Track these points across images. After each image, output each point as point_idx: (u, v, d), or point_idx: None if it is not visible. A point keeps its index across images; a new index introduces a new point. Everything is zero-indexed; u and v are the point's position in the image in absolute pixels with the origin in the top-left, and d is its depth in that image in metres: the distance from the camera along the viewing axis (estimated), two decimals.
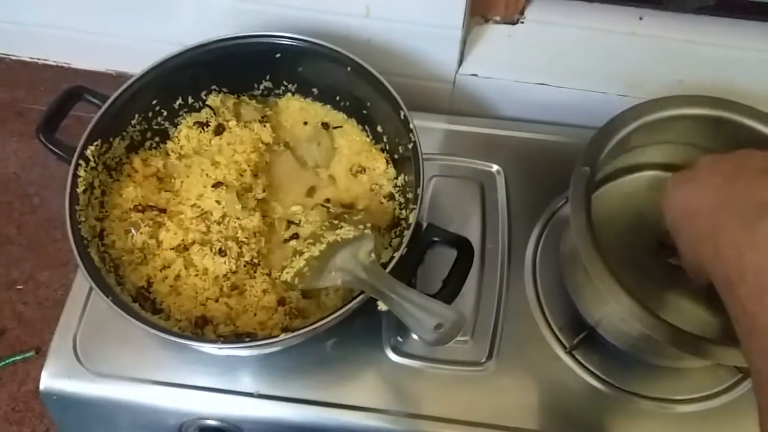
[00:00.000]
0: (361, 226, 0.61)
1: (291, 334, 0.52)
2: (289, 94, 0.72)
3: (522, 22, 0.78)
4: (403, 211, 0.65)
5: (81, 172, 0.59)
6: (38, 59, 0.88)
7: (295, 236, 0.64)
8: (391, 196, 0.67)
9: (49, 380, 0.63)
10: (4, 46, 0.88)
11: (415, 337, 0.65)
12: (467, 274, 0.57)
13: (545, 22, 0.77)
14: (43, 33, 0.83)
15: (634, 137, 0.60)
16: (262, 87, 0.71)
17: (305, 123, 0.71)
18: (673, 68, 0.75)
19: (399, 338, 0.65)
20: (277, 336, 0.53)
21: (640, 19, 0.77)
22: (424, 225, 0.60)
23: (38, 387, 0.63)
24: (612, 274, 0.53)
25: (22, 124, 0.95)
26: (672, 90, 0.64)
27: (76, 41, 0.83)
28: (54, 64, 0.88)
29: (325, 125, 0.70)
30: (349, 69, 0.65)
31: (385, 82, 0.63)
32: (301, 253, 0.62)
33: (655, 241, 0.60)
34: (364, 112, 0.69)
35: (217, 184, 0.64)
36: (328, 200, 0.67)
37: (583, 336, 0.64)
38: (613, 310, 0.57)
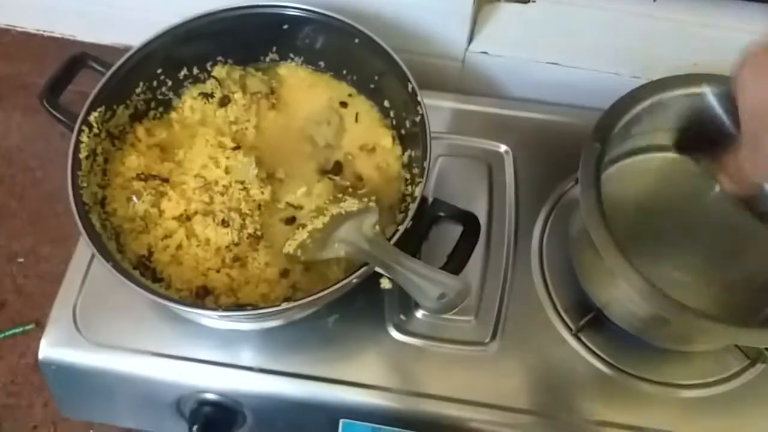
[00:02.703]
0: (366, 200, 0.60)
1: (293, 303, 0.52)
2: (295, 64, 0.71)
3: (534, 1, 0.76)
4: (409, 188, 0.64)
5: (84, 138, 0.59)
6: (44, 31, 0.87)
7: (292, 220, 0.63)
8: (397, 174, 0.66)
9: (48, 349, 0.63)
10: (9, 17, 0.87)
11: (418, 314, 0.64)
12: (473, 249, 0.56)
13: (558, 2, 0.76)
14: (49, 4, 0.82)
15: (646, 117, 0.59)
16: (268, 59, 0.70)
17: (314, 101, 0.69)
18: (687, 51, 0.73)
19: (402, 316, 0.64)
20: (278, 305, 0.52)
21: (654, 0, 0.76)
22: (430, 200, 0.60)
23: (37, 360, 0.63)
24: (622, 251, 0.52)
25: (26, 98, 0.95)
26: (686, 72, 0.63)
27: (83, 13, 0.82)
28: (60, 36, 0.87)
29: (343, 104, 0.69)
30: (357, 41, 0.64)
31: (393, 54, 0.62)
32: (304, 226, 0.61)
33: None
34: (372, 86, 0.68)
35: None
36: (336, 174, 0.66)
37: (590, 318, 0.63)
38: (622, 290, 0.56)
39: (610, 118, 0.57)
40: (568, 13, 0.75)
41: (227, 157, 0.63)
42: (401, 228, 0.54)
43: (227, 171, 0.62)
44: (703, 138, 0.58)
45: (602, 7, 0.75)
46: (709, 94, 0.58)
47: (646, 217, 0.62)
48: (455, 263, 0.54)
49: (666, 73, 0.71)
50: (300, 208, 0.64)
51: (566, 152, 0.71)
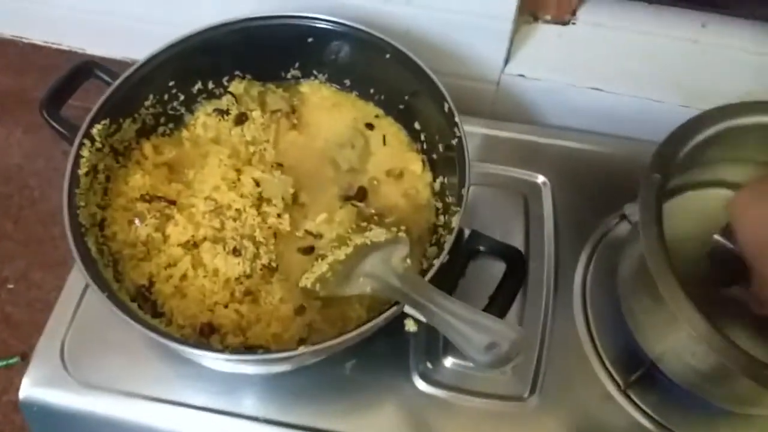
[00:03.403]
0: (394, 229, 0.54)
1: (310, 348, 0.45)
2: (318, 82, 0.65)
3: (574, 23, 0.72)
4: (441, 217, 0.58)
5: (85, 153, 0.53)
6: (51, 43, 0.83)
7: (310, 250, 0.57)
8: (427, 202, 0.60)
9: (30, 388, 0.57)
10: (16, 28, 0.83)
11: (447, 362, 0.57)
12: (518, 290, 0.50)
13: (599, 25, 0.71)
14: (57, 15, 0.78)
15: (711, 147, 0.53)
16: (290, 75, 0.65)
17: (338, 122, 0.64)
18: (739, 79, 0.68)
19: (429, 364, 0.58)
20: (294, 349, 0.45)
21: (703, 26, 0.71)
22: (467, 232, 0.53)
23: None
24: (688, 297, 0.46)
25: (30, 113, 0.90)
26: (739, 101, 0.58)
27: (92, 24, 0.78)
28: (67, 48, 0.83)
29: (369, 125, 0.64)
30: (388, 56, 0.59)
31: (428, 71, 0.57)
32: (324, 257, 0.54)
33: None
34: (401, 106, 0.63)
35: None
36: (360, 200, 0.60)
37: (642, 372, 0.56)
38: (682, 341, 0.50)
39: (672, 145, 0.51)
40: (611, 37, 0.70)
41: (262, 171, 0.58)
42: (437, 262, 0.48)
43: (242, 195, 0.56)
44: None
45: (648, 32, 0.70)
46: None
47: (699, 257, 0.55)
48: (498, 306, 0.48)
49: (717, 101, 0.66)
50: (320, 236, 0.57)
51: (609, 185, 0.67)
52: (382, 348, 0.57)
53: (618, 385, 0.57)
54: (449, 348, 0.58)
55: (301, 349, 0.45)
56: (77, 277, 0.61)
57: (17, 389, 0.57)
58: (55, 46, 0.83)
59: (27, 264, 0.82)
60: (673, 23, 0.70)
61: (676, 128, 0.52)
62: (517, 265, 0.50)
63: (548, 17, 0.72)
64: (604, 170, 0.68)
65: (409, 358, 0.58)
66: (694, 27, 0.70)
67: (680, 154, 0.51)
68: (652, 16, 0.71)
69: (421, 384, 0.57)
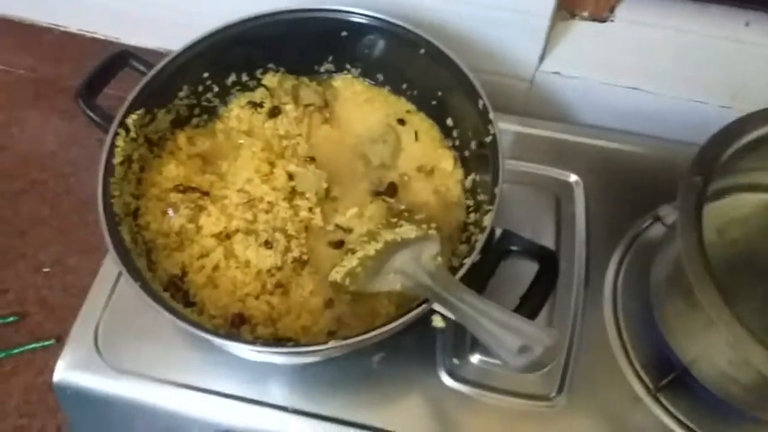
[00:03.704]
0: (425, 226, 0.54)
1: (339, 342, 0.45)
2: (351, 77, 0.65)
3: (612, 21, 0.70)
4: (472, 215, 0.57)
5: (119, 142, 0.54)
6: (86, 32, 0.84)
7: (341, 244, 0.57)
8: (458, 199, 0.60)
9: (64, 371, 0.58)
10: (52, 16, 0.84)
11: (473, 359, 0.57)
12: (550, 291, 0.49)
13: (638, 22, 0.69)
14: (94, 3, 0.79)
15: (755, 150, 0.51)
16: (323, 69, 0.65)
17: (370, 117, 0.64)
18: None
19: (456, 360, 0.57)
20: (323, 343, 0.46)
21: (747, 24, 0.69)
22: (498, 231, 0.53)
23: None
24: (728, 303, 0.45)
25: (65, 101, 0.91)
26: None
27: (127, 14, 0.79)
28: (103, 37, 0.84)
29: (401, 121, 0.64)
30: (422, 51, 0.59)
31: (463, 67, 0.56)
32: (354, 252, 0.54)
33: None
34: (434, 102, 0.62)
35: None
36: (391, 196, 0.59)
37: (673, 377, 0.55)
38: (719, 346, 0.48)
39: (715, 147, 0.50)
40: (650, 35, 0.69)
41: (296, 165, 0.58)
42: (468, 261, 0.48)
43: (274, 188, 0.56)
44: None
45: (689, 30, 0.68)
46: None
47: (746, 265, 0.54)
48: (530, 307, 0.47)
49: (760, 103, 0.64)
50: (350, 231, 0.57)
51: (644, 186, 0.66)
52: (409, 342, 0.57)
53: (648, 389, 0.56)
54: (476, 344, 0.58)
55: (331, 344, 0.45)
56: (111, 263, 0.61)
57: (52, 371, 0.59)
58: (90, 35, 0.84)
59: (63, 249, 0.84)
60: (715, 21, 0.68)
61: (720, 129, 0.51)
62: (550, 266, 0.50)
63: (586, 14, 0.70)
64: (637, 171, 0.67)
65: (436, 354, 0.58)
66: (737, 26, 0.68)
67: (723, 157, 0.50)
68: (694, 13, 0.69)
69: (447, 379, 0.57)
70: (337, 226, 0.58)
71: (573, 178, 0.67)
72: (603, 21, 0.70)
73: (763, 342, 0.44)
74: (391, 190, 0.60)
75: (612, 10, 0.70)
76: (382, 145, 0.61)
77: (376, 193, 0.60)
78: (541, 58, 0.68)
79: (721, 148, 0.50)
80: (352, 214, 0.58)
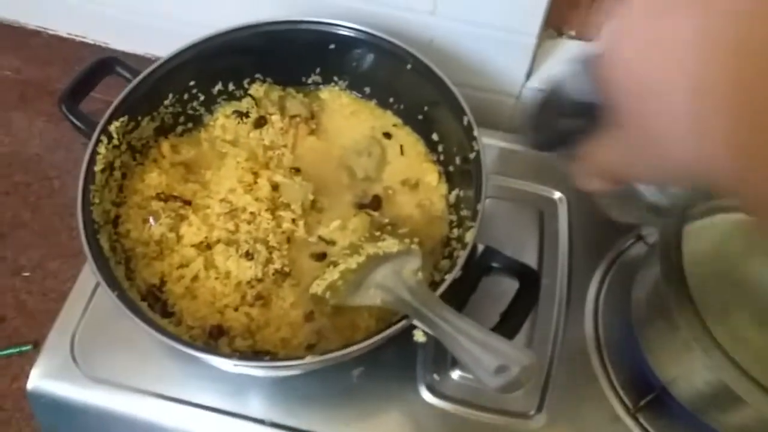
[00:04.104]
0: (407, 241, 0.54)
1: (318, 358, 0.45)
2: (338, 89, 0.65)
3: (599, 39, 0.70)
4: (455, 231, 0.57)
5: (101, 149, 0.53)
6: (76, 36, 0.83)
7: (323, 256, 0.56)
8: (441, 214, 0.60)
9: (39, 379, 0.57)
10: (42, 19, 0.83)
11: (454, 375, 0.57)
12: (530, 310, 0.49)
13: None
14: (84, 8, 0.78)
15: None
16: (311, 80, 0.65)
17: (356, 129, 0.64)
18: None
19: (436, 376, 0.57)
20: (301, 357, 0.45)
21: None
22: (480, 247, 0.53)
23: None
24: (704, 324, 0.45)
25: (51, 104, 0.90)
26: None
27: (117, 20, 0.78)
28: (92, 42, 0.83)
29: (387, 135, 0.64)
30: (409, 66, 0.59)
31: (449, 83, 0.56)
32: (336, 264, 0.54)
33: None
34: (420, 117, 0.62)
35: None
36: (375, 209, 0.59)
37: (652, 397, 0.55)
38: (697, 367, 0.48)
39: None
40: None
41: (282, 175, 0.58)
42: (448, 277, 0.48)
43: (257, 198, 0.56)
44: None
45: None
46: None
47: (721, 285, 0.54)
48: (509, 326, 0.47)
49: None
50: (333, 243, 0.57)
51: None
52: (389, 357, 0.57)
53: (627, 408, 0.56)
54: (457, 361, 0.58)
55: (308, 359, 0.45)
56: (90, 270, 0.61)
57: (28, 377, 0.58)
58: (79, 39, 0.84)
59: (43, 253, 0.83)
60: None
61: None
62: (530, 284, 0.50)
63: (573, 33, 0.71)
64: None
65: (416, 369, 0.57)
66: None
67: None
68: None
69: (427, 395, 0.56)
70: (320, 238, 0.57)
71: (557, 194, 0.67)
72: (590, 40, 0.71)
73: (738, 366, 0.44)
74: (376, 203, 0.60)
75: (599, 29, 0.70)
76: (367, 158, 0.61)
77: (360, 206, 0.60)
78: (528, 75, 0.69)
79: None
80: (336, 227, 0.58)
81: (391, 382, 0.57)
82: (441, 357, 0.58)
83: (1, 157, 0.89)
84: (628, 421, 0.56)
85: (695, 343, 0.45)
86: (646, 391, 0.55)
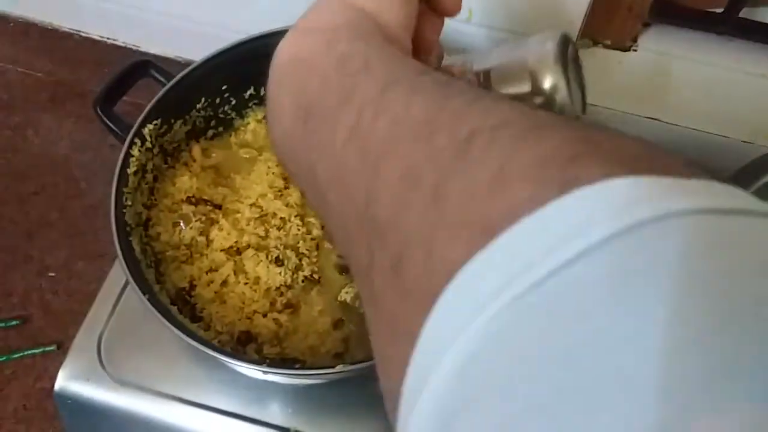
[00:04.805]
0: None
1: (350, 367, 0.44)
2: None
3: (635, 50, 0.69)
4: None
5: (135, 152, 0.53)
6: (107, 38, 0.84)
7: (347, 269, 0.56)
8: None
9: (66, 380, 0.57)
10: (73, 22, 0.84)
11: None
12: None
13: (662, 53, 0.69)
14: (115, 11, 0.79)
15: None
16: None
17: None
18: None
19: None
20: (331, 366, 0.45)
21: None
22: None
23: (53, 386, 0.57)
24: None
25: (81, 106, 0.91)
26: None
27: (148, 23, 0.79)
28: (123, 45, 0.84)
29: None
30: None
31: None
32: None
33: None
34: None
35: None
36: None
37: None
38: None
39: (741, 182, 0.48)
40: (673, 66, 0.68)
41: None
42: None
43: (288, 204, 0.55)
44: None
45: (714, 63, 0.67)
46: None
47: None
48: None
49: None
50: None
51: None
52: None
53: None
54: None
55: (339, 368, 0.44)
56: (119, 271, 0.61)
57: (51, 378, 0.58)
58: (110, 42, 0.84)
59: (69, 254, 0.83)
60: (740, 56, 0.68)
61: (747, 164, 0.50)
62: None
63: (608, 42, 0.70)
64: None
65: None
66: (762, 61, 0.68)
67: (748, 192, 0.49)
68: (718, 46, 0.68)
69: None
70: None
71: None
72: (626, 50, 0.70)
73: None
74: None
75: (635, 39, 0.69)
76: None
77: None
78: None
79: (746, 183, 0.49)
80: None
81: None
82: None
83: (30, 158, 0.90)
84: None
85: None
86: None
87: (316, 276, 0.54)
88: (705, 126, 0.66)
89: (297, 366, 0.49)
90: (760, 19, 0.63)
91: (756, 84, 0.67)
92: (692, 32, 0.68)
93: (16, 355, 0.76)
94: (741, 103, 0.66)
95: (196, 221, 0.55)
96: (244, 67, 0.60)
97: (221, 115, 0.62)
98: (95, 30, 0.84)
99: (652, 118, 0.67)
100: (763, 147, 0.63)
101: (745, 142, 0.66)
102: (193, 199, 0.56)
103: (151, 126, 0.55)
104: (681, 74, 0.68)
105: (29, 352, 0.76)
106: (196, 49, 0.79)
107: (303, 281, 0.54)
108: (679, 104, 0.67)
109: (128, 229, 0.51)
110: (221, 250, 0.54)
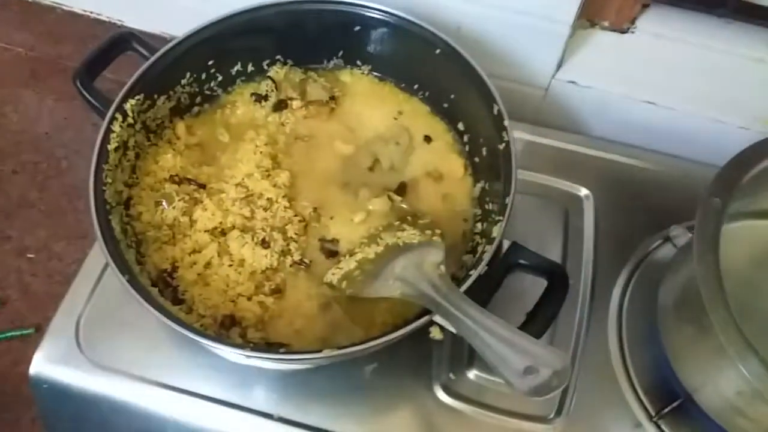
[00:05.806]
0: (429, 232, 0.51)
1: (335, 352, 0.43)
2: (360, 72, 0.63)
3: (632, 32, 0.68)
4: (479, 225, 0.55)
5: (116, 127, 0.51)
6: (91, 12, 0.81)
7: (334, 253, 0.54)
8: (465, 207, 0.57)
9: (42, 364, 0.55)
10: None
11: (470, 375, 0.54)
12: (559, 310, 0.47)
13: (659, 35, 0.67)
14: None
15: None
16: (332, 63, 0.63)
17: (380, 116, 0.61)
18: None
19: (451, 375, 0.55)
20: (316, 351, 0.43)
21: None
22: (506, 243, 0.50)
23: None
24: (740, 329, 0.43)
25: (63, 82, 0.88)
26: None
27: None
28: (107, 20, 0.81)
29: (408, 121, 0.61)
30: (437, 51, 0.56)
31: (479, 70, 0.54)
32: (353, 253, 0.52)
33: None
34: (446, 105, 0.60)
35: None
36: (400, 194, 0.57)
37: (676, 404, 0.53)
38: (729, 376, 0.46)
39: (736, 169, 0.48)
40: (672, 49, 0.67)
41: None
42: (474, 273, 0.45)
43: (275, 184, 0.54)
44: None
45: (710, 46, 0.66)
46: None
47: (757, 290, 0.52)
48: (537, 326, 0.45)
49: None
50: (332, 242, 0.55)
51: (656, 205, 0.64)
52: (404, 354, 0.55)
53: (649, 415, 0.54)
54: (474, 360, 0.56)
55: (324, 353, 0.43)
56: (98, 253, 0.58)
57: (29, 361, 0.56)
58: (94, 16, 0.82)
59: (49, 234, 0.81)
60: (738, 39, 0.66)
61: (743, 150, 0.49)
62: (559, 283, 0.47)
63: (606, 23, 0.68)
64: (650, 188, 0.65)
65: (431, 367, 0.55)
66: (760, 45, 0.66)
67: (744, 179, 0.48)
68: (716, 29, 0.67)
69: (442, 395, 0.54)
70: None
71: (583, 191, 0.65)
72: (623, 32, 0.68)
73: None
74: (401, 189, 0.57)
75: (633, 21, 0.68)
76: (395, 147, 0.59)
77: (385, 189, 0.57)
78: (558, 66, 0.66)
79: (742, 170, 0.48)
80: (360, 220, 0.56)
81: (405, 380, 0.55)
82: (457, 355, 0.56)
83: (10, 135, 0.88)
84: (650, 428, 0.54)
85: (730, 348, 0.43)
86: (670, 399, 0.53)
87: (306, 260, 0.53)
88: (702, 111, 0.65)
89: (282, 350, 0.47)
90: (759, 1, 0.62)
91: (754, 69, 0.66)
92: (691, 14, 0.67)
93: None
94: (738, 89, 0.65)
95: (179, 201, 0.53)
96: (232, 41, 0.58)
97: (207, 92, 0.60)
98: (78, 3, 0.82)
99: (649, 102, 0.66)
100: (759, 133, 0.62)
101: (742, 128, 0.65)
102: (177, 178, 0.54)
103: (133, 101, 0.53)
104: (678, 58, 0.67)
105: (7, 334, 0.74)
106: (181, 25, 0.76)
107: (291, 265, 0.52)
108: (676, 88, 0.66)
109: (108, 207, 0.49)
110: (205, 231, 0.52)
